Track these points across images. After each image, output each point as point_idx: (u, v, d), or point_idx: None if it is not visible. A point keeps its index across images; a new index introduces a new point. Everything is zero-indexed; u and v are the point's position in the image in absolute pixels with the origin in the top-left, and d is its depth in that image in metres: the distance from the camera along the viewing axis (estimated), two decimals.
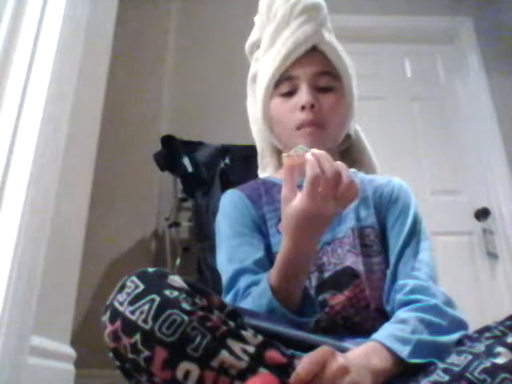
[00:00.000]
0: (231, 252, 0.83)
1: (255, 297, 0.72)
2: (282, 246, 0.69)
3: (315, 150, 0.64)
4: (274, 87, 0.88)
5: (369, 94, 2.47)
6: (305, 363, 0.54)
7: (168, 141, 2.02)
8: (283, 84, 0.87)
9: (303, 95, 0.83)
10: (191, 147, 2.03)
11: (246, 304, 0.73)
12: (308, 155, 0.63)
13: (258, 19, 0.98)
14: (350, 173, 0.64)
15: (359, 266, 0.78)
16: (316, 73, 0.85)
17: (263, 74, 0.90)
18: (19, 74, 1.19)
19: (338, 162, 0.64)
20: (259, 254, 0.79)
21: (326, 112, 0.84)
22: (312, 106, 0.82)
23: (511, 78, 2.57)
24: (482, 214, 2.33)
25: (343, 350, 0.60)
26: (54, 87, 1.23)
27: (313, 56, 0.86)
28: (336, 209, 0.64)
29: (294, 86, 0.86)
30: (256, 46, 0.98)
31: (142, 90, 2.39)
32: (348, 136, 0.96)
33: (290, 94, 0.86)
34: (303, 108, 0.83)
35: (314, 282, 0.78)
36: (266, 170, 0.99)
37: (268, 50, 0.91)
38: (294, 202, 0.64)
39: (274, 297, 0.68)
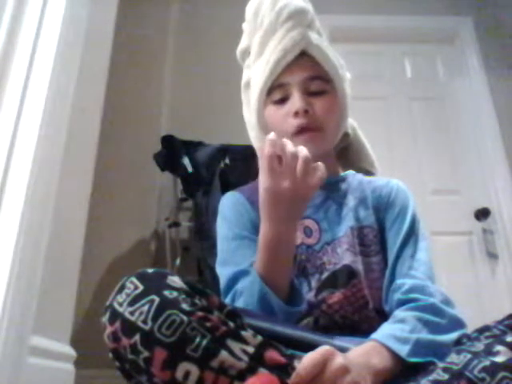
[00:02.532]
0: (229, 255, 0.84)
1: (247, 287, 0.74)
2: (261, 229, 0.72)
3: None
4: (267, 95, 0.88)
5: (369, 93, 2.47)
6: (305, 363, 0.54)
7: (168, 141, 2.02)
8: (275, 92, 0.87)
9: (296, 101, 0.83)
10: (191, 147, 2.03)
11: (241, 300, 0.74)
12: (269, 136, 0.68)
13: (245, 26, 0.98)
14: (308, 156, 0.67)
15: (358, 266, 0.79)
16: (306, 78, 0.85)
17: (255, 83, 0.90)
18: (19, 74, 1.19)
19: (300, 147, 0.68)
20: (253, 257, 0.79)
21: (321, 115, 0.84)
22: (306, 112, 0.83)
23: (511, 78, 2.57)
24: (482, 214, 2.33)
25: (343, 350, 0.60)
26: (54, 87, 1.23)
27: (302, 61, 0.86)
28: (300, 189, 0.67)
29: (285, 92, 0.86)
30: (246, 52, 0.98)
31: (142, 90, 2.39)
32: (346, 134, 0.96)
33: (283, 100, 0.86)
34: (296, 114, 0.83)
35: (314, 284, 0.79)
36: None
37: (258, 59, 0.91)
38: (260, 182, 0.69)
39: (262, 281, 0.70)
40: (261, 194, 0.70)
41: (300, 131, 0.83)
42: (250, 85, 0.94)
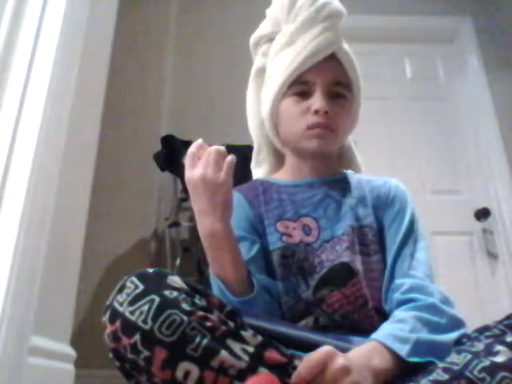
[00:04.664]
0: None
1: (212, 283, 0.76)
2: None
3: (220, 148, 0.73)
4: (288, 87, 0.88)
5: (369, 93, 2.46)
6: (306, 363, 0.54)
7: (168, 141, 2.02)
8: (297, 86, 0.87)
9: (318, 100, 0.84)
10: None
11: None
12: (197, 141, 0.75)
13: (272, 12, 0.97)
14: (221, 152, 0.73)
15: (358, 265, 0.79)
16: (332, 81, 0.86)
17: (278, 73, 0.89)
18: (19, 74, 1.19)
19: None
20: (248, 256, 0.80)
21: (337, 119, 0.85)
22: (325, 112, 0.83)
23: (511, 78, 2.57)
24: (482, 213, 2.32)
25: (344, 350, 0.60)
26: (54, 87, 1.23)
27: (330, 63, 0.87)
28: (208, 178, 0.71)
29: (308, 89, 0.86)
30: (265, 38, 0.97)
31: (142, 90, 2.39)
32: None
33: (304, 96, 0.86)
34: (316, 112, 0.83)
35: (311, 282, 0.79)
36: (260, 166, 0.99)
37: (284, 49, 0.90)
38: None
39: (216, 276, 0.73)
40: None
41: (314, 126, 0.84)
42: (269, 74, 0.93)
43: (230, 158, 0.73)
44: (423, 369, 0.60)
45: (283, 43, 0.91)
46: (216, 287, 0.74)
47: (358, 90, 0.91)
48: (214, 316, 0.57)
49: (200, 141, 0.75)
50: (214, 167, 0.71)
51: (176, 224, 2.04)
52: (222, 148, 0.73)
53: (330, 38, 0.87)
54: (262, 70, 0.96)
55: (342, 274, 0.78)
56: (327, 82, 0.85)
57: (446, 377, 0.55)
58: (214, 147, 0.73)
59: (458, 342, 0.64)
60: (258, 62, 0.98)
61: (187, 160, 0.73)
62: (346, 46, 0.91)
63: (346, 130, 0.91)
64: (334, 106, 0.85)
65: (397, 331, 0.65)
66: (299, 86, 0.86)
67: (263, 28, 0.98)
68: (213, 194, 0.72)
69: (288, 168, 0.93)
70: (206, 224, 0.73)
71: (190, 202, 2.45)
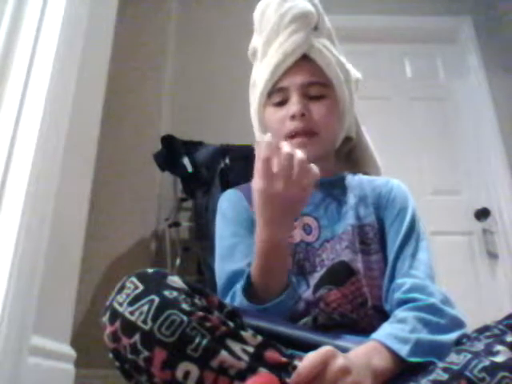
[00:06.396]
0: (228, 251, 0.84)
1: (237, 290, 0.75)
2: (256, 232, 0.72)
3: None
4: (267, 97, 0.89)
5: (369, 93, 2.47)
6: (306, 362, 0.54)
7: (168, 141, 2.02)
8: (275, 95, 0.88)
9: (293, 105, 0.84)
10: (191, 147, 2.03)
11: (237, 300, 0.75)
12: (266, 138, 0.66)
13: (255, 27, 0.99)
14: (303, 158, 0.66)
15: (358, 264, 0.79)
16: (305, 83, 0.86)
17: (257, 85, 0.91)
18: (19, 74, 1.19)
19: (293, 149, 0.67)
20: (248, 254, 0.80)
21: (317, 119, 0.85)
22: (302, 115, 0.83)
23: (511, 78, 2.57)
24: (482, 213, 2.33)
25: (344, 350, 0.60)
26: (54, 87, 1.23)
27: (302, 65, 0.87)
28: (295, 191, 0.66)
29: (285, 96, 0.86)
30: (253, 51, 0.98)
31: (142, 90, 2.39)
32: (349, 138, 0.96)
33: (282, 103, 0.87)
34: (293, 117, 0.83)
35: (312, 282, 0.79)
36: None
37: (262, 60, 0.92)
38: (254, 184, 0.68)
39: (243, 293, 0.72)
40: (254, 196, 0.69)
41: (294, 135, 0.84)
42: (251, 84, 0.95)
43: (314, 172, 0.67)
44: (423, 369, 0.60)
45: (260, 55, 0.93)
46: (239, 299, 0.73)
47: (340, 85, 0.88)
48: (214, 316, 0.57)
49: (268, 137, 0.66)
50: (297, 179, 0.65)
51: (176, 224, 2.04)
52: (300, 154, 0.66)
53: (296, 42, 0.86)
54: (254, 84, 0.97)
55: (340, 273, 0.78)
56: (300, 85, 0.85)
57: (445, 377, 0.55)
58: (295, 154, 0.66)
59: (458, 342, 0.64)
60: (252, 75, 1.00)
61: (260, 166, 0.66)
62: (321, 42, 0.89)
63: (331, 130, 0.88)
64: (314, 106, 0.85)
65: (397, 331, 0.65)
66: (277, 95, 0.87)
67: (252, 42, 1.00)
68: (290, 208, 0.70)
69: None
70: (274, 233, 0.70)
71: (189, 202, 2.43)
